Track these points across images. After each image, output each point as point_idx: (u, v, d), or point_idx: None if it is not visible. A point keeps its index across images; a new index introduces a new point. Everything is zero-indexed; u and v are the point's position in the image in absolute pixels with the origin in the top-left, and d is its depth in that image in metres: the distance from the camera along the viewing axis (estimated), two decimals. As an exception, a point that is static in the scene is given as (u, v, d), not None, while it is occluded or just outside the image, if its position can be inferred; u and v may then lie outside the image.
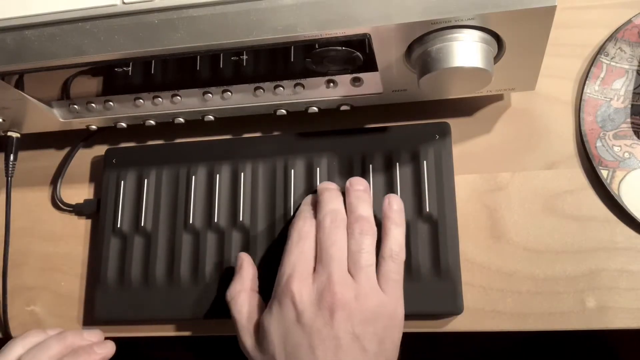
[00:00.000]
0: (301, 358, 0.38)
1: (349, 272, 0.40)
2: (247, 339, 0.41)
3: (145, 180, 0.49)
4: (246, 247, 0.46)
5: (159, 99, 0.46)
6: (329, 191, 0.44)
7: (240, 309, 0.42)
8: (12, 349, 0.45)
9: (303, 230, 0.42)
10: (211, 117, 0.48)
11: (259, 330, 0.40)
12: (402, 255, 0.41)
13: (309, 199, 0.45)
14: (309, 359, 0.37)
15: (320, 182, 0.46)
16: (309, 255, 0.41)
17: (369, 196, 0.44)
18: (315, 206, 0.44)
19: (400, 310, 0.40)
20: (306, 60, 0.42)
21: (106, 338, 0.49)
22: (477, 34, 0.37)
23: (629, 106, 0.46)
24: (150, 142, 0.53)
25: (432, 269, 0.43)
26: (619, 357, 0.70)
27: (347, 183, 0.44)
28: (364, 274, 0.39)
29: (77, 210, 0.52)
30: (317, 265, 0.40)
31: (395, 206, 0.42)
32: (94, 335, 0.47)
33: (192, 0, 0.38)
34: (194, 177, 0.49)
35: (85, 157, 0.54)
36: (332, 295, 0.38)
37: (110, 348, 0.46)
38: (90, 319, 0.49)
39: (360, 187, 0.43)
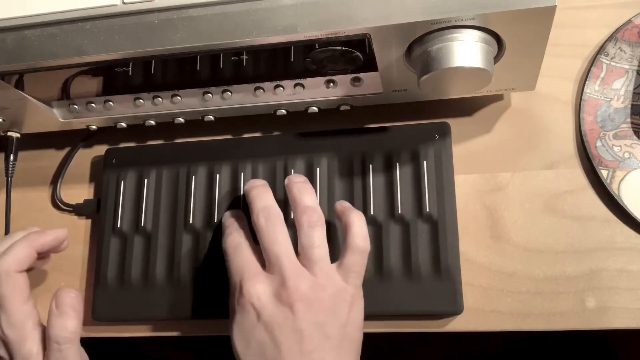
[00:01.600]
0: (267, 356, 0.38)
1: (303, 264, 0.40)
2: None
3: (145, 180, 0.49)
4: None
5: (159, 99, 0.46)
6: (256, 188, 0.44)
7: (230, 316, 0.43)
8: None
9: (234, 243, 0.42)
10: (211, 117, 0.48)
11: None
12: (367, 247, 0.40)
13: (227, 215, 0.45)
14: (274, 355, 0.37)
15: (320, 181, 0.46)
16: (251, 258, 0.41)
17: (311, 187, 0.43)
18: (236, 219, 0.44)
19: (359, 297, 0.40)
20: (306, 60, 0.42)
21: (106, 338, 0.49)
22: (477, 34, 0.37)
23: (629, 106, 0.46)
24: (150, 142, 0.53)
25: (432, 269, 0.43)
26: (619, 357, 0.70)
27: (286, 180, 0.43)
28: (318, 267, 0.39)
29: (77, 210, 0.52)
30: (267, 266, 0.40)
31: (346, 203, 0.43)
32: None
33: (192, 0, 0.38)
34: (194, 177, 0.49)
35: (85, 157, 0.54)
36: (288, 290, 0.38)
37: (60, 232, 0.47)
38: (90, 319, 0.49)
39: (299, 179, 0.43)
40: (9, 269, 0.43)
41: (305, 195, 0.42)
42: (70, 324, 0.43)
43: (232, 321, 0.40)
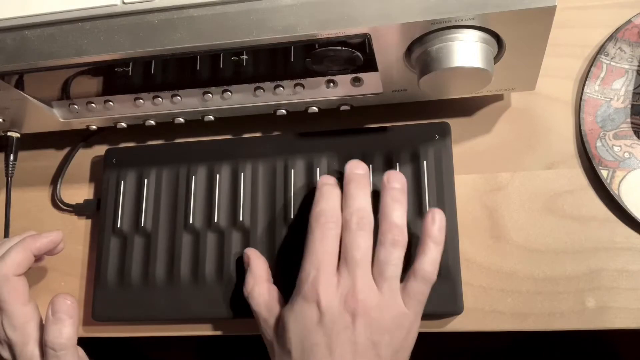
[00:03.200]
0: (317, 357, 0.38)
1: (373, 277, 0.40)
2: (268, 331, 0.42)
3: (145, 180, 0.49)
4: (246, 247, 0.46)
5: (159, 99, 0.46)
6: (356, 182, 0.43)
7: (258, 302, 0.43)
8: None
9: (326, 228, 0.41)
10: (211, 117, 0.48)
11: (279, 323, 0.41)
12: (434, 278, 0.40)
13: (324, 180, 0.44)
14: (325, 359, 0.38)
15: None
16: (333, 255, 0.41)
17: (405, 197, 0.42)
18: (332, 188, 0.43)
19: (417, 325, 0.41)
20: (306, 60, 0.42)
21: (106, 338, 0.49)
22: (477, 34, 0.37)
23: (629, 106, 0.46)
24: (150, 142, 0.53)
25: (432, 269, 0.43)
26: (619, 357, 0.70)
27: (385, 177, 0.42)
28: (387, 285, 0.40)
29: (77, 210, 0.52)
30: (341, 265, 0.40)
31: (438, 223, 0.41)
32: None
33: (192, 0, 0.38)
34: (194, 177, 0.49)
35: (85, 157, 0.54)
36: (355, 302, 0.39)
37: (55, 235, 0.48)
38: (90, 319, 0.49)
39: (397, 185, 0.42)
40: (7, 274, 0.44)
41: (396, 211, 0.41)
42: (65, 330, 0.44)
43: (292, 305, 0.40)
